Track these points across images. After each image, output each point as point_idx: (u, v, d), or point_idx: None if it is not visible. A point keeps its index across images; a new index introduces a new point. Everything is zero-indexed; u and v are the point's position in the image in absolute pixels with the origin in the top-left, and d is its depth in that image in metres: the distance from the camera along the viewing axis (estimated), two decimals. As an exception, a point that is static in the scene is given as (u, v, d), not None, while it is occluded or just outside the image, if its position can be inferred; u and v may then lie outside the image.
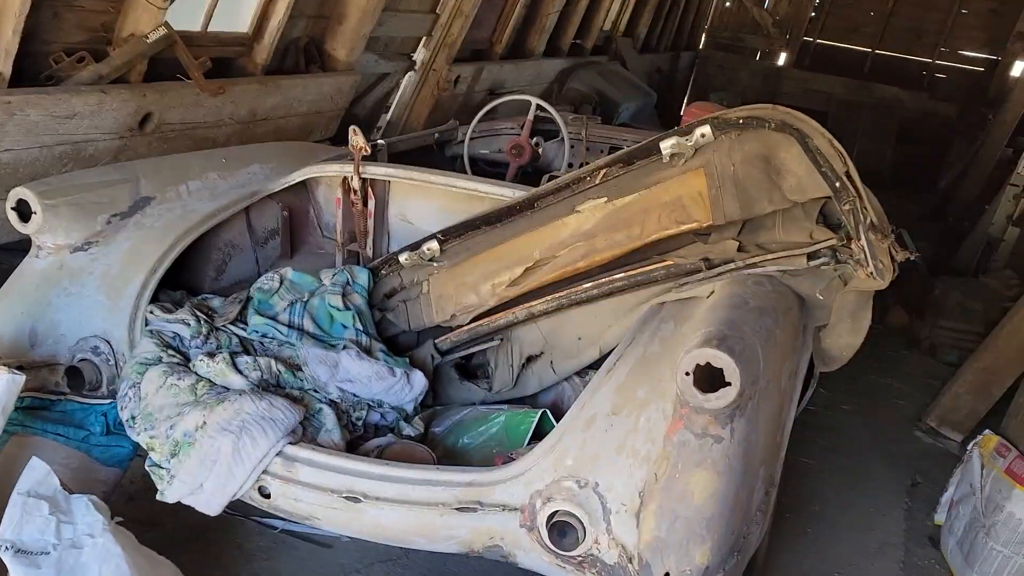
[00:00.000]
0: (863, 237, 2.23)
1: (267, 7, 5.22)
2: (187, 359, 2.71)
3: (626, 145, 5.13)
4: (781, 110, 2.40)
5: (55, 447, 2.72)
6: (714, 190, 2.55)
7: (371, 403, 2.75)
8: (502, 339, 3.03)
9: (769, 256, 2.51)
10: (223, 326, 2.85)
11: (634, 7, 12.57)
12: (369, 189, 3.51)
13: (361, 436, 2.70)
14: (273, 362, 2.66)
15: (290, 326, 2.90)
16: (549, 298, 2.90)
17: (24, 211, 2.80)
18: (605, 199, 2.77)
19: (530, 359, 3.05)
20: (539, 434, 2.76)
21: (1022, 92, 11.63)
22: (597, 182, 2.75)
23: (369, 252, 3.60)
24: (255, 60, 5.38)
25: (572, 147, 4.82)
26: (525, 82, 9.70)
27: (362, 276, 3.13)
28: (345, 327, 2.96)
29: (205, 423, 2.37)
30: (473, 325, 3.03)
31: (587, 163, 5.23)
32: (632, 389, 2.35)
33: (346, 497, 2.30)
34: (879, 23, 16.07)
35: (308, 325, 2.91)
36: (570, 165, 4.98)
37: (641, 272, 2.76)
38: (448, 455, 2.73)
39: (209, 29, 4.93)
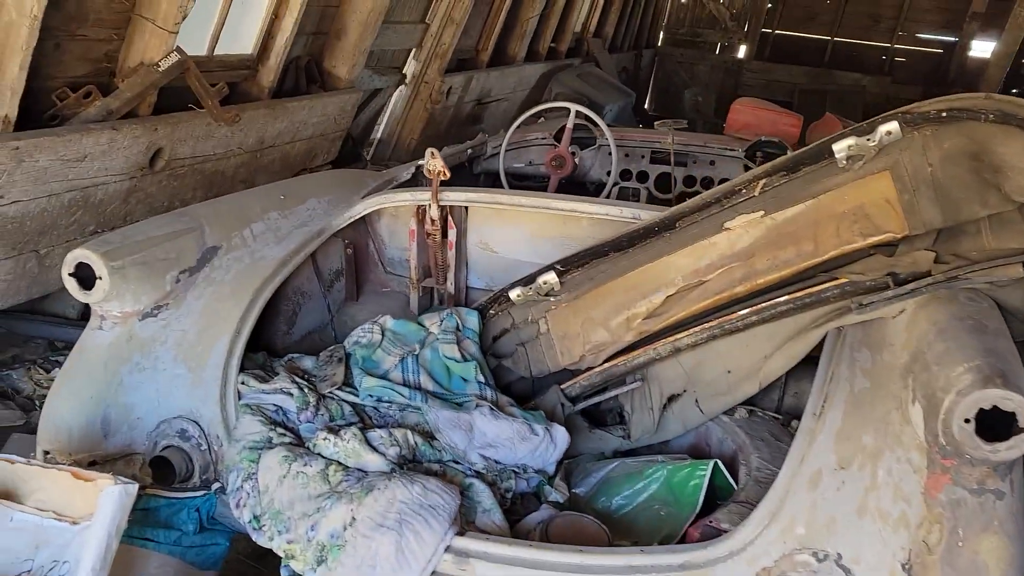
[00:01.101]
0: None
1: (272, 25, 4.78)
2: (298, 437, 2.28)
3: (674, 148, 4.86)
4: (996, 98, 2.08)
5: (144, 555, 2.26)
6: (907, 195, 2.22)
7: (516, 469, 2.36)
8: (642, 380, 2.66)
9: (977, 267, 2.19)
10: (329, 392, 2.43)
11: (602, 7, 12.32)
12: (449, 217, 3.11)
13: (508, 509, 2.31)
14: (409, 433, 2.24)
15: (405, 385, 2.49)
16: (697, 329, 2.54)
17: (86, 276, 2.34)
18: (762, 213, 2.42)
19: (671, 399, 2.68)
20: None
21: (995, 71, 11.72)
22: (756, 194, 2.40)
23: (451, 288, 3.19)
24: (260, 83, 4.92)
25: (613, 155, 4.48)
26: (509, 89, 9.37)
27: (472, 319, 2.73)
28: (466, 380, 2.56)
29: (354, 519, 1.95)
30: (606, 366, 2.66)
31: (630, 170, 4.97)
32: (855, 436, 2.00)
33: (540, 596, 1.91)
34: (836, 10, 16.10)
35: (426, 382, 2.50)
36: (608, 173, 4.68)
37: (809, 293, 2.42)
38: (602, 521, 2.35)
39: (215, 52, 4.46)
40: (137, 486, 1.85)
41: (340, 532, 1.95)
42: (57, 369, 3.87)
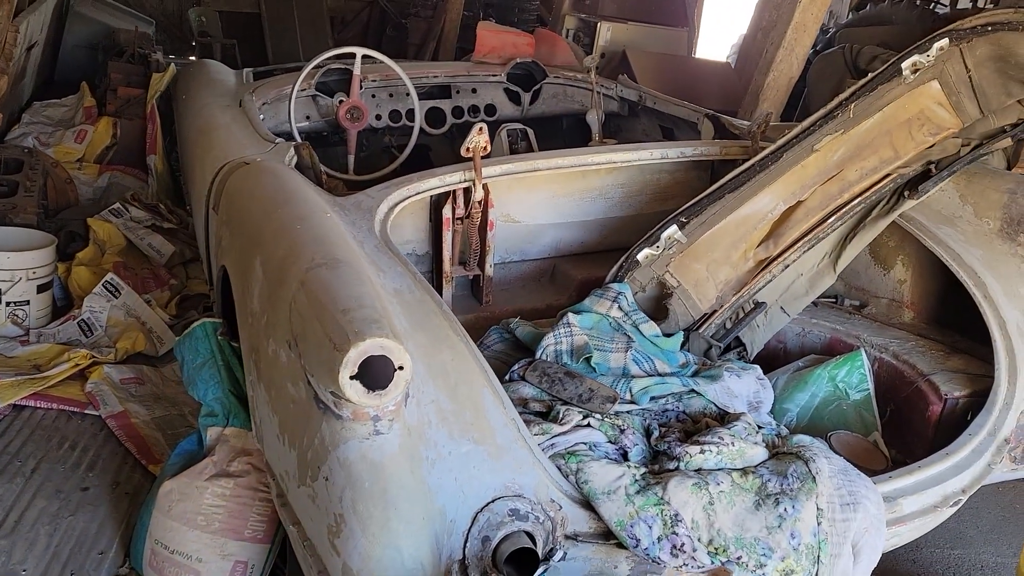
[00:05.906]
0: None
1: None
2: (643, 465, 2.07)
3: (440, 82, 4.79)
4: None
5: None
6: (953, 97, 2.77)
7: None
8: (765, 303, 2.88)
9: (996, 142, 2.87)
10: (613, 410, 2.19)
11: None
12: (489, 196, 2.81)
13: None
14: (750, 418, 2.19)
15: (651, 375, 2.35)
16: (801, 243, 2.84)
17: (379, 373, 1.69)
18: (841, 131, 2.77)
19: (765, 312, 2.97)
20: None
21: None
22: (851, 116, 2.73)
23: (490, 271, 2.92)
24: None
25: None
26: (39, 30, 7.60)
27: (629, 292, 2.61)
28: (673, 352, 2.49)
29: (820, 509, 1.93)
30: (732, 300, 2.81)
31: (399, 110, 4.72)
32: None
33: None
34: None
35: (661, 367, 2.38)
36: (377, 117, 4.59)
37: (872, 192, 2.88)
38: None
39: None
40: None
41: (817, 527, 1.92)
42: None
